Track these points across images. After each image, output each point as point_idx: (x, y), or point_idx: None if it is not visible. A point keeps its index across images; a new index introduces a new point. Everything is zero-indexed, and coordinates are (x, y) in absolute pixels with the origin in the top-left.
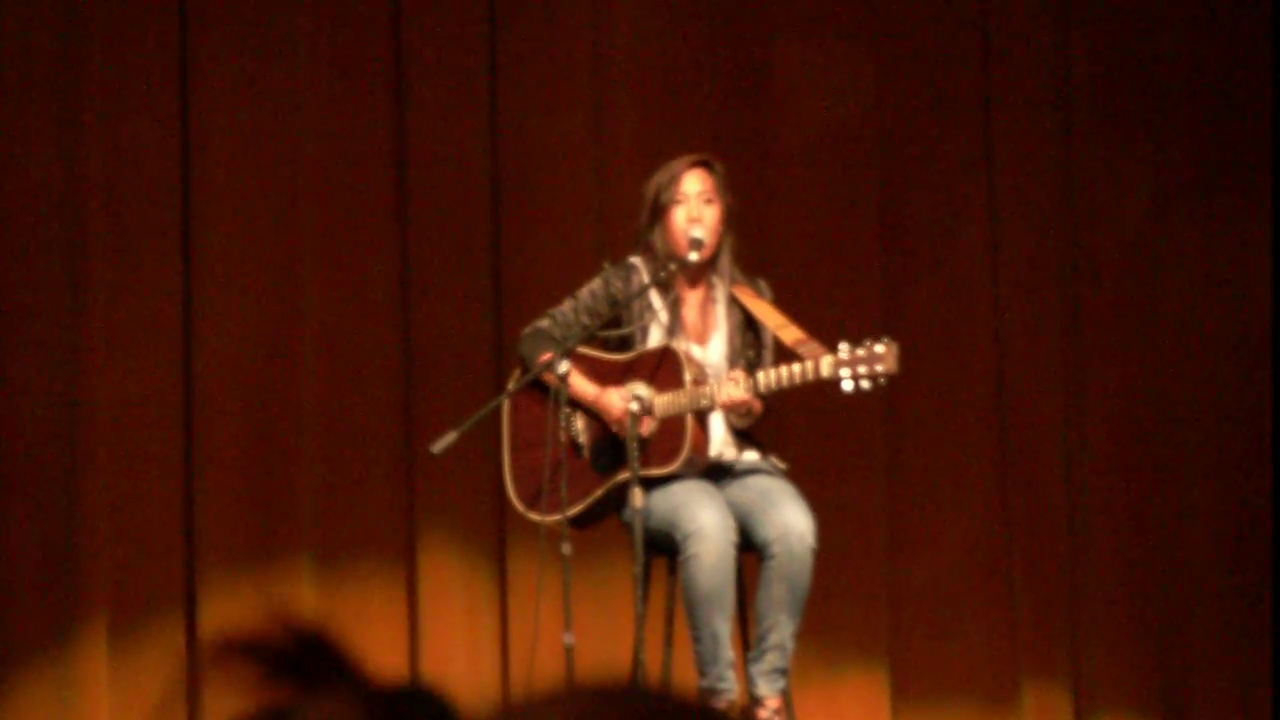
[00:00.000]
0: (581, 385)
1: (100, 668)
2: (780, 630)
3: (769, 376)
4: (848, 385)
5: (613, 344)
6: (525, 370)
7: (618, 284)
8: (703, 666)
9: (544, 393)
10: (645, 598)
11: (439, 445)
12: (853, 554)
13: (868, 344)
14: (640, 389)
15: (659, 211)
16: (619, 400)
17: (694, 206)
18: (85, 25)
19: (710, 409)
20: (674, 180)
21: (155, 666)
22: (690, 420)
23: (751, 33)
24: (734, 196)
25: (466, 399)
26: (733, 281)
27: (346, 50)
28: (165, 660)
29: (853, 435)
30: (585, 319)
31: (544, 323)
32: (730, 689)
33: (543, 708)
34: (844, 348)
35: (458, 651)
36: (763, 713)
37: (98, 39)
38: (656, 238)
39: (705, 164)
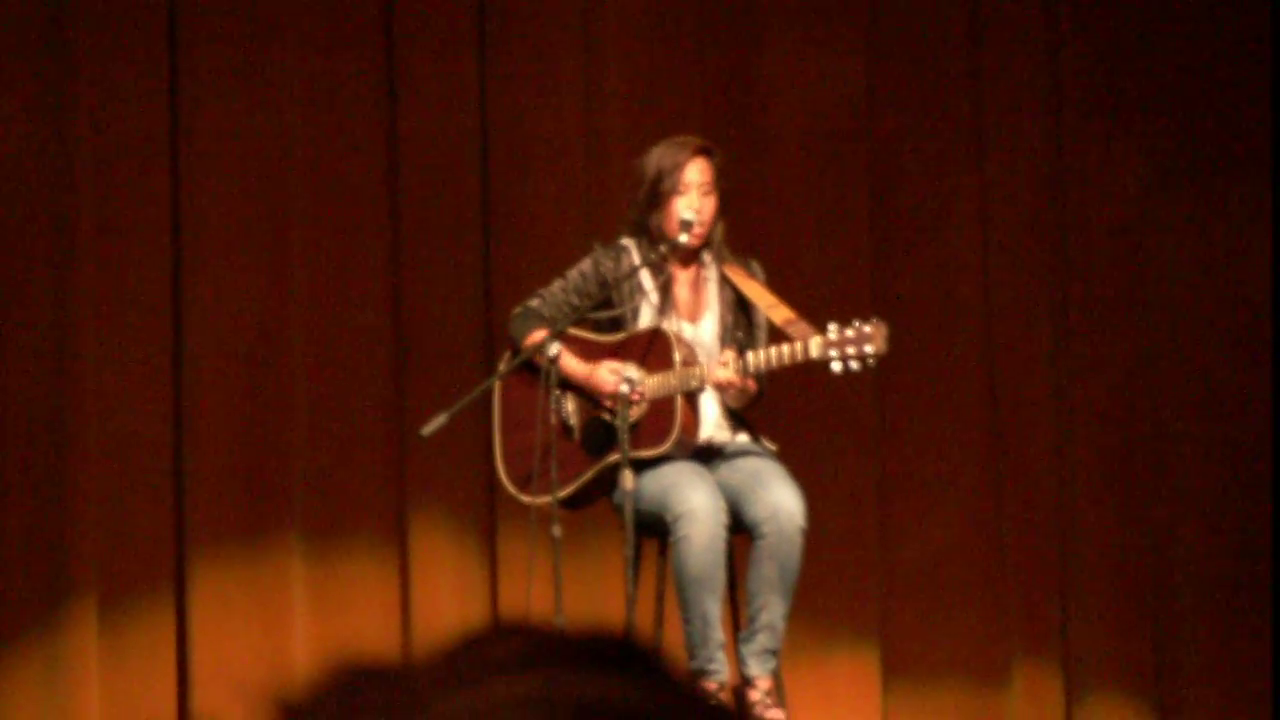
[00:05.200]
0: (572, 365)
1: (90, 648)
2: (771, 610)
3: (758, 357)
4: (836, 366)
5: (603, 325)
6: (516, 350)
7: (608, 265)
8: (693, 648)
9: (535, 374)
10: (636, 579)
11: (430, 428)
12: (844, 534)
13: (856, 325)
14: (631, 371)
15: (659, 198)
16: (609, 376)
17: (694, 197)
18: (73, 11)
19: (700, 390)
20: (677, 168)
21: (145, 647)
22: (680, 402)
23: (741, 19)
24: (728, 181)
25: (457, 381)
26: (724, 261)
27: (336, 35)
28: (155, 640)
29: (844, 416)
30: (575, 299)
31: (534, 302)
32: (720, 670)
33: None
34: (833, 328)
35: (449, 633)
36: (754, 693)
37: (86, 25)
38: (653, 222)
39: (708, 152)
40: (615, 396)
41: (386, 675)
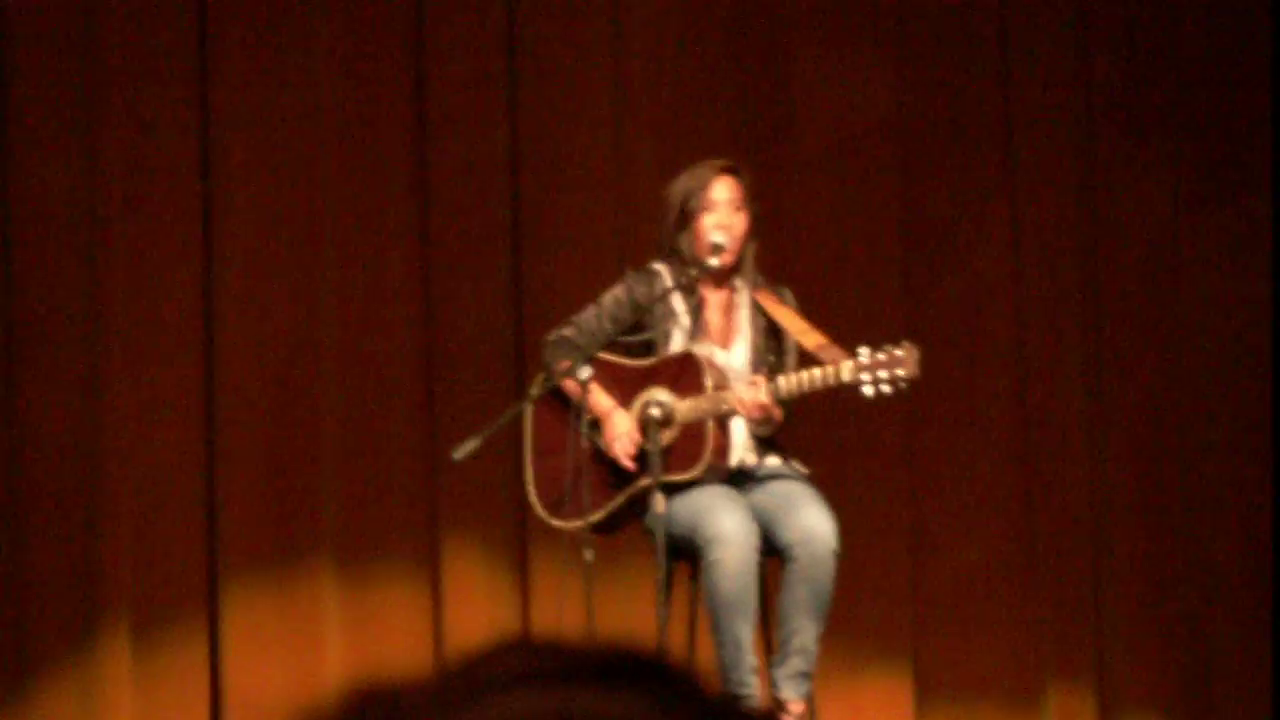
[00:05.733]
0: (598, 398)
1: (123, 670)
2: (803, 634)
3: (789, 381)
4: (868, 390)
5: (636, 350)
6: (548, 377)
7: (641, 289)
8: (725, 672)
9: (566, 400)
10: (667, 603)
11: (461, 452)
12: (875, 556)
13: (888, 348)
14: (661, 395)
15: (687, 217)
16: (623, 424)
17: (723, 214)
18: (104, 26)
19: (731, 414)
20: (703, 187)
21: (177, 669)
22: (711, 426)
23: (771, 39)
24: (757, 203)
25: (488, 405)
26: (755, 287)
27: (368, 54)
28: (187, 662)
29: (875, 438)
30: (609, 325)
31: (568, 330)
32: (752, 694)
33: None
34: (864, 352)
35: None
36: (787, 717)
37: (116, 39)
38: (683, 243)
39: (733, 170)
40: (613, 447)
41: (391, 695)
